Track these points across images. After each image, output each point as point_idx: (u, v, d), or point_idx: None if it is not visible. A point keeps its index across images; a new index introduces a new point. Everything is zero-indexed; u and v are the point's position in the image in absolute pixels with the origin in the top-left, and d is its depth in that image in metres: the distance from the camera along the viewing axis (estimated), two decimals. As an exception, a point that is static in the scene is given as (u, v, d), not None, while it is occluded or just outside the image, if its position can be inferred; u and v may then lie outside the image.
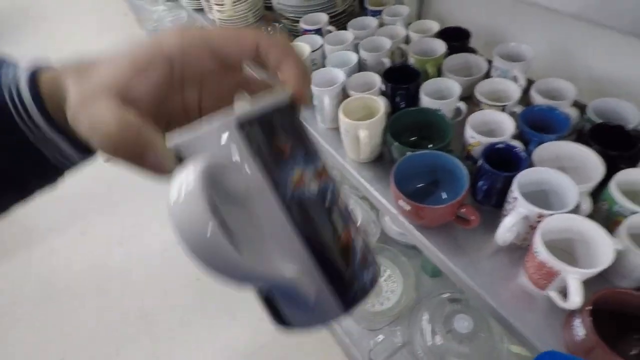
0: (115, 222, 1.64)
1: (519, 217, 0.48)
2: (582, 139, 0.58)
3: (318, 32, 0.90)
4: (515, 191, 0.49)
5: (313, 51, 0.82)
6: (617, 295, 0.42)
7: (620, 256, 0.44)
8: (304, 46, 0.81)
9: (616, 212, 0.49)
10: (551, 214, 0.47)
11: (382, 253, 1.10)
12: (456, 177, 0.56)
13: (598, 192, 0.52)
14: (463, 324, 0.85)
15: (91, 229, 1.64)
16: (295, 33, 0.98)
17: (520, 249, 0.54)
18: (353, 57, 0.78)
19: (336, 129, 0.75)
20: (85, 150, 0.24)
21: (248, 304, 1.25)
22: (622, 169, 0.53)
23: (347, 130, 0.64)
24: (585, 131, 0.60)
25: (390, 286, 1.03)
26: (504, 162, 0.55)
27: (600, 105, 0.61)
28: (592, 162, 0.53)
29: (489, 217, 0.57)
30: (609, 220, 0.51)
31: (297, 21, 0.95)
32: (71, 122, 0.20)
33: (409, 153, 0.59)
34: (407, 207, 0.53)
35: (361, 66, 0.80)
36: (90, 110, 0.19)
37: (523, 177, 0.51)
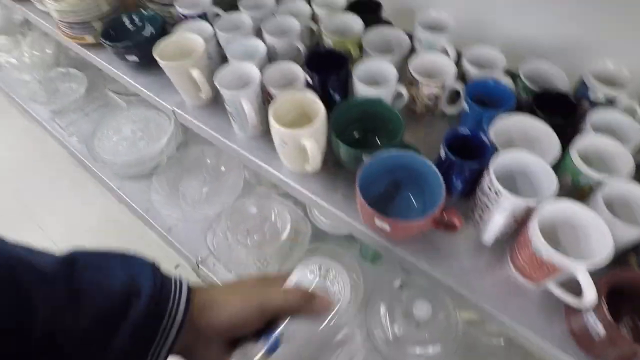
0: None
1: (506, 213, 0.43)
2: (524, 110, 0.56)
3: (203, 17, 0.72)
4: (494, 183, 0.44)
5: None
6: (622, 279, 0.40)
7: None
8: (196, 40, 0.63)
9: (581, 183, 0.48)
10: (539, 205, 0.43)
11: (317, 252, 1.02)
12: (419, 173, 0.49)
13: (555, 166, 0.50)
14: (422, 309, 0.82)
15: None
16: (169, 21, 0.78)
17: (499, 240, 0.50)
18: (259, 46, 0.64)
19: (262, 137, 0.62)
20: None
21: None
22: (569, 136, 0.52)
23: (284, 142, 0.51)
24: (527, 102, 0.58)
25: (338, 287, 0.96)
26: (462, 149, 0.49)
27: (531, 70, 0.59)
28: (545, 134, 0.51)
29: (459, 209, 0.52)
30: (574, 192, 0.50)
31: (171, 5, 0.75)
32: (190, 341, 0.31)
33: (365, 158, 0.49)
34: (387, 227, 0.44)
35: (270, 55, 0.66)
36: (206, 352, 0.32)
37: (498, 164, 0.46)
